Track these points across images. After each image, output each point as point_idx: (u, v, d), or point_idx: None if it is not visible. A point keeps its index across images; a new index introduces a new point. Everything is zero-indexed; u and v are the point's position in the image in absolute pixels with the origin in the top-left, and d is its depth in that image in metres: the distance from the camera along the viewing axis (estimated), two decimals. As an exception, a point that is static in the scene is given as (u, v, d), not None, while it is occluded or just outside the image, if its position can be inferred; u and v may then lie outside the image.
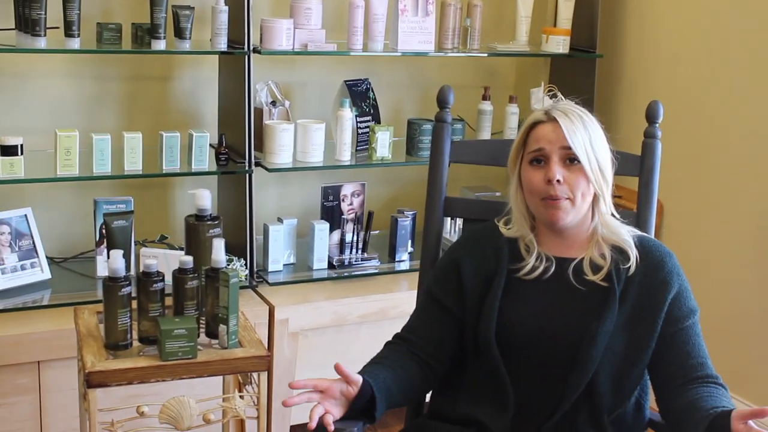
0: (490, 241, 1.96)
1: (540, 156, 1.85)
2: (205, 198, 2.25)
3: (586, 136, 1.84)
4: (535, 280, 1.89)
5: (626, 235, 1.89)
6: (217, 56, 3.17)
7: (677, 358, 1.84)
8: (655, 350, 1.84)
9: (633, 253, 1.86)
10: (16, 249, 2.86)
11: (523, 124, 1.92)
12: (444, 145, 2.23)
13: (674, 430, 1.84)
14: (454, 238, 3.40)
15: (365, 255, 3.27)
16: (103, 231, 2.75)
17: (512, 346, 1.85)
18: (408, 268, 3.30)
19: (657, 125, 2.17)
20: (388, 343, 1.98)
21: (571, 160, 1.83)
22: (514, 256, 1.92)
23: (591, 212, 1.89)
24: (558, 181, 1.82)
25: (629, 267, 1.85)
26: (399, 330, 2.00)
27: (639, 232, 1.94)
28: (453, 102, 2.25)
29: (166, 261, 2.72)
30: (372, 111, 3.38)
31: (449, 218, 3.39)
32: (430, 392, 2.02)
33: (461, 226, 3.24)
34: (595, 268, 1.86)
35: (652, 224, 2.15)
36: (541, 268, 1.89)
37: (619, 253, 1.87)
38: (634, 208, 2.18)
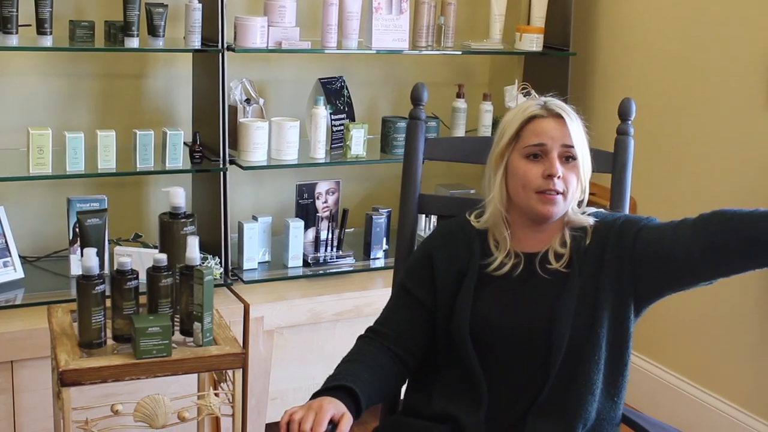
0: (462, 235, 1.97)
1: (539, 151, 1.87)
2: (179, 196, 2.24)
3: (583, 135, 1.90)
4: (504, 276, 1.91)
5: (585, 215, 1.94)
6: (191, 54, 3.16)
7: (659, 240, 1.84)
8: (640, 267, 1.85)
9: (589, 227, 1.91)
10: (-11, 248, 2.84)
11: (514, 116, 1.93)
12: (418, 142, 2.24)
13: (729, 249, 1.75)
14: (429, 235, 3.41)
15: (340, 253, 3.27)
16: (77, 229, 2.73)
17: (485, 341, 1.86)
18: (383, 265, 3.31)
19: (629, 122, 2.18)
20: (361, 337, 1.98)
21: (567, 157, 1.88)
22: (484, 251, 1.95)
23: None
24: (558, 176, 1.86)
25: (586, 243, 1.90)
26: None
27: (607, 212, 1.99)
28: (427, 99, 2.25)
29: (140, 259, 2.71)
30: (346, 109, 3.38)
31: (424, 216, 3.40)
32: (405, 389, 2.02)
33: (436, 224, 3.27)
34: (558, 257, 1.90)
35: None
36: (510, 264, 1.91)
37: (582, 232, 1.92)
38: (608, 205, 2.19)
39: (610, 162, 2.18)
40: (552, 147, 1.86)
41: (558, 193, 1.86)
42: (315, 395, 1.77)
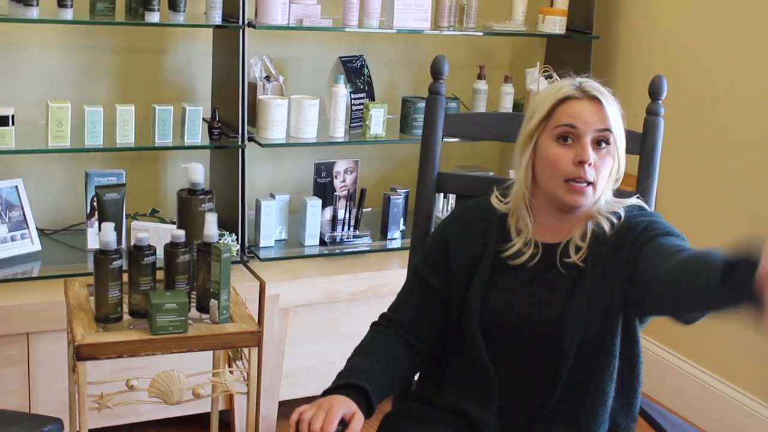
0: (480, 221, 1.91)
1: (570, 133, 1.78)
2: (198, 172, 2.24)
3: (620, 119, 1.80)
4: (520, 267, 1.84)
5: (616, 207, 1.83)
6: (211, 30, 3.14)
7: (653, 260, 1.71)
8: (630, 283, 1.74)
9: (614, 223, 1.81)
10: (6, 220, 2.84)
11: (546, 95, 1.83)
12: (437, 117, 2.18)
13: (671, 293, 1.64)
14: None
15: (357, 232, 3.26)
16: (95, 203, 2.74)
17: (496, 335, 1.82)
18: (399, 246, 3.30)
19: (660, 102, 2.09)
20: (374, 325, 1.95)
21: (599, 142, 1.78)
22: (502, 236, 1.87)
23: None
24: (590, 163, 1.76)
25: (605, 240, 1.80)
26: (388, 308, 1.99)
27: (637, 204, 1.88)
28: (447, 73, 2.18)
29: (157, 235, 2.71)
30: (366, 88, 3.36)
31: (442, 196, 3.39)
32: (417, 375, 1.99)
33: (453, 206, 3.25)
34: (578, 250, 1.82)
35: (651, 203, 2.11)
36: (528, 254, 1.84)
37: (607, 226, 1.82)
38: (634, 189, 2.10)
39: (637, 143, 2.09)
40: (585, 131, 1.77)
41: (588, 183, 1.77)
42: (326, 392, 1.74)
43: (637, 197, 1.92)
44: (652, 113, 2.11)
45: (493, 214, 1.91)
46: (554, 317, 1.78)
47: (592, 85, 1.82)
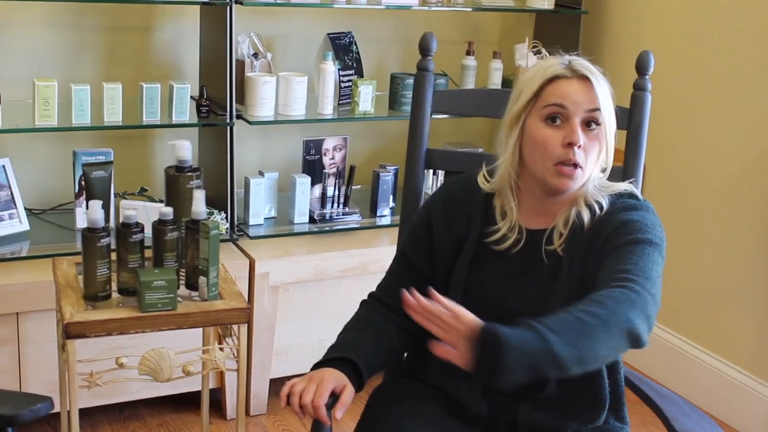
0: (465, 200, 1.87)
1: (559, 114, 1.72)
2: (186, 149, 2.23)
3: (610, 100, 1.75)
4: (503, 252, 1.81)
5: (600, 195, 1.77)
6: (198, 7, 3.12)
7: (599, 279, 1.66)
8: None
9: (586, 216, 1.75)
10: (-6, 200, 2.83)
11: (534, 74, 1.77)
12: (426, 94, 2.17)
13: None
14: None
15: (347, 209, 3.26)
16: (83, 182, 2.73)
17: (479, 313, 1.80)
18: (389, 223, 3.30)
19: (647, 77, 2.08)
20: (364, 302, 1.95)
21: (588, 123, 1.73)
22: (487, 218, 1.84)
23: None
24: (579, 145, 1.71)
25: (584, 230, 1.75)
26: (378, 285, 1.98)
27: (627, 190, 1.81)
28: (436, 49, 2.17)
29: (146, 213, 2.70)
30: (355, 65, 3.35)
31: (431, 173, 3.38)
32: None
33: (443, 181, 3.25)
34: (560, 236, 1.78)
35: (639, 179, 2.10)
36: (512, 239, 1.80)
37: (590, 212, 1.77)
38: (621, 164, 2.11)
39: (625, 118, 2.08)
40: (574, 112, 1.71)
41: (577, 165, 1.71)
42: (316, 366, 1.75)
43: (630, 182, 1.86)
44: (639, 88, 2.10)
45: (479, 194, 1.87)
46: (535, 312, 1.69)
47: (582, 63, 1.77)
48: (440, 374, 1.84)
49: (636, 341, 1.53)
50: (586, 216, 1.76)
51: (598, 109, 1.72)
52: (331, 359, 1.76)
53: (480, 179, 1.88)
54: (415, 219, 1.97)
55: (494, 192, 1.85)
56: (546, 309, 1.68)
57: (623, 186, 1.82)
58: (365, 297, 1.98)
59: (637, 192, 1.83)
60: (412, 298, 1.55)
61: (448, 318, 1.50)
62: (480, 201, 1.86)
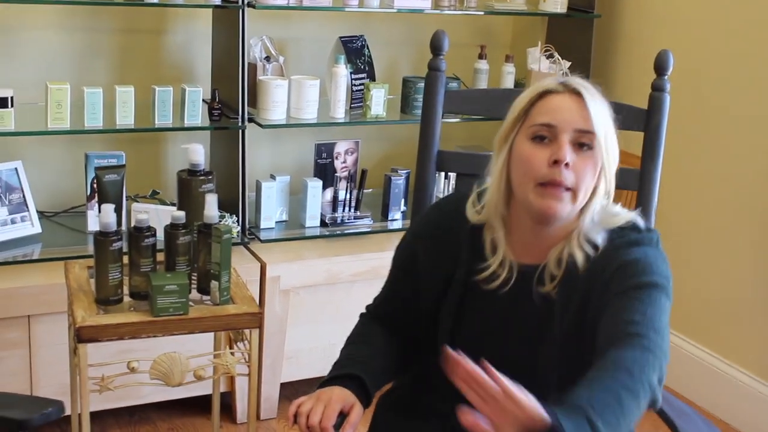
0: (452, 234, 1.72)
1: (547, 133, 1.57)
2: (198, 153, 2.23)
3: (605, 119, 1.58)
4: (492, 292, 1.67)
5: (594, 233, 1.61)
6: (210, 10, 3.12)
7: (605, 327, 1.53)
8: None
9: (580, 257, 1.60)
10: (6, 203, 2.83)
11: (526, 92, 1.64)
12: (437, 94, 2.11)
13: None
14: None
15: (358, 213, 3.25)
16: (95, 185, 2.73)
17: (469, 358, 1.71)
18: (401, 227, 3.28)
19: (666, 77, 2.01)
20: (363, 315, 1.89)
21: (581, 145, 1.57)
22: (476, 253, 1.69)
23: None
24: (567, 164, 1.54)
25: (579, 272, 1.60)
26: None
27: (630, 221, 1.65)
28: (447, 48, 2.11)
29: (157, 216, 2.71)
30: (367, 68, 3.35)
31: (443, 177, 3.38)
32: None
33: (455, 186, 3.24)
34: (552, 278, 1.63)
35: (656, 183, 2.04)
36: (502, 277, 1.66)
37: (589, 250, 1.61)
38: (638, 166, 2.06)
39: (642, 120, 2.01)
40: (563, 129, 1.56)
41: (566, 188, 1.55)
42: (323, 384, 1.70)
43: (636, 211, 1.70)
44: (657, 89, 2.03)
45: (466, 225, 1.71)
46: (526, 362, 1.63)
47: (576, 80, 1.61)
48: (441, 396, 1.72)
49: (654, 404, 1.47)
50: (579, 257, 1.60)
51: (590, 132, 1.56)
52: (336, 377, 1.71)
53: (469, 208, 1.73)
54: (402, 244, 1.83)
55: (483, 223, 1.71)
56: (536, 356, 1.62)
57: (625, 217, 1.66)
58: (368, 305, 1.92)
59: (641, 222, 1.66)
60: (458, 359, 1.35)
61: (504, 400, 1.32)
62: (468, 234, 1.71)
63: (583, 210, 1.61)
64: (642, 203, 2.04)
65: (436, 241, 1.74)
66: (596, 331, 1.54)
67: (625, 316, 1.50)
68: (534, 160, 1.56)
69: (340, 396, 1.65)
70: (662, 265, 1.59)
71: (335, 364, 1.77)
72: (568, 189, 1.56)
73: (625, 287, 1.54)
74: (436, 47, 2.11)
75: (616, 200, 1.70)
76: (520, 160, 1.59)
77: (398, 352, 1.82)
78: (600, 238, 1.61)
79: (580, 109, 1.57)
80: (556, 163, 1.55)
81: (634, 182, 2.05)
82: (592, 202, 1.61)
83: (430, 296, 1.74)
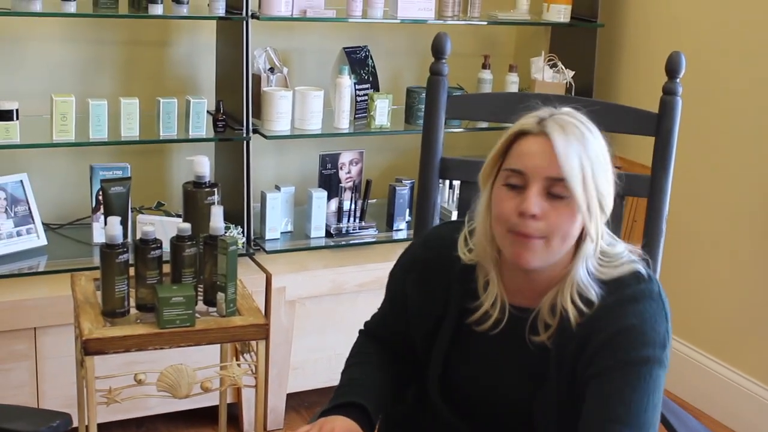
0: (442, 274, 1.65)
1: (517, 180, 1.48)
2: (204, 165, 2.23)
3: (588, 162, 1.46)
4: (483, 333, 1.61)
5: (588, 288, 1.52)
6: (215, 21, 3.13)
7: (588, 414, 1.48)
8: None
9: (572, 314, 1.52)
10: (12, 215, 2.84)
11: (513, 125, 1.53)
12: (440, 99, 2.03)
13: None
14: (452, 207, 3.39)
15: (363, 224, 3.25)
16: (100, 197, 2.73)
17: (460, 403, 1.67)
18: (405, 237, 3.29)
19: (678, 81, 1.95)
20: (362, 333, 1.85)
21: (556, 195, 1.47)
22: (468, 292, 1.62)
23: (572, 251, 1.53)
24: (533, 216, 1.46)
25: (573, 325, 1.52)
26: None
27: (634, 271, 1.54)
28: (450, 51, 2.06)
29: (163, 228, 2.70)
30: (371, 79, 3.35)
31: (447, 187, 3.38)
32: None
33: (458, 195, 3.23)
34: (547, 327, 1.56)
35: (667, 190, 1.97)
36: (494, 318, 1.58)
37: (583, 302, 1.53)
38: (648, 172, 2.00)
39: (652, 125, 1.94)
40: (533, 177, 1.46)
41: (533, 237, 1.46)
42: (326, 411, 1.65)
43: (639, 254, 1.59)
44: (669, 93, 1.95)
45: (456, 264, 1.63)
46: (522, 406, 1.59)
47: (560, 117, 1.49)
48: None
49: None
50: (572, 314, 1.52)
51: (561, 180, 1.45)
52: (339, 405, 1.66)
53: (461, 247, 1.64)
54: (393, 277, 1.78)
55: (475, 263, 1.62)
56: (532, 400, 1.58)
57: (626, 269, 1.55)
58: (363, 325, 1.89)
59: (643, 270, 1.55)
60: None
61: None
62: (458, 273, 1.63)
63: (576, 253, 1.53)
64: (651, 211, 1.98)
65: (425, 282, 1.67)
66: (584, 396, 1.50)
67: (608, 407, 1.46)
68: (504, 208, 1.49)
69: (344, 425, 1.61)
70: (661, 327, 1.51)
71: (336, 390, 1.72)
72: (540, 237, 1.47)
73: (612, 364, 1.48)
74: (438, 50, 2.05)
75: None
76: (495, 205, 1.52)
77: (398, 371, 1.78)
78: (594, 294, 1.52)
79: (551, 156, 1.46)
80: (522, 214, 1.46)
81: (644, 189, 1.98)
82: (584, 246, 1.52)
83: (420, 335, 1.68)
